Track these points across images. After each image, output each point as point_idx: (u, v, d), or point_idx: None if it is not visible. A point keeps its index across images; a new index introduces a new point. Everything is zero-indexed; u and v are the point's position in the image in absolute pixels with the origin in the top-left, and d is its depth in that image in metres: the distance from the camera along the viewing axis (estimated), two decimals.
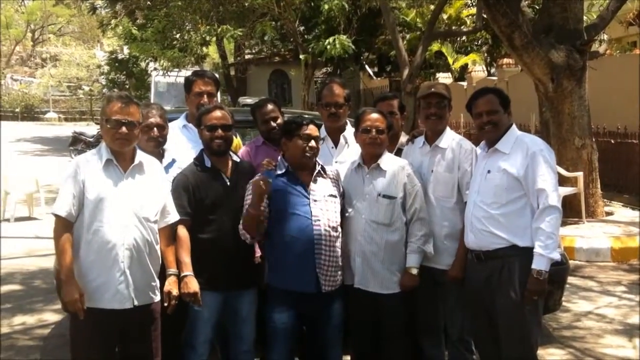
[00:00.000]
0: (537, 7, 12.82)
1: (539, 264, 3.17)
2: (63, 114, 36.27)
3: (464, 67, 20.46)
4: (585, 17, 9.95)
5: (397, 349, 3.54)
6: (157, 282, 3.26)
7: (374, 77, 25.56)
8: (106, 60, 27.87)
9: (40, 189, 10.16)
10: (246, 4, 15.43)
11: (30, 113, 35.19)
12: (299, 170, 3.47)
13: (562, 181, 7.83)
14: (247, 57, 24.94)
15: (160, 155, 3.70)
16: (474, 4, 18.57)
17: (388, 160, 3.59)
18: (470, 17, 19.09)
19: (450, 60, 19.78)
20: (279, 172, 3.47)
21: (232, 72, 25.20)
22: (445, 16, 18.75)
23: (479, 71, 20.37)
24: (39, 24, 43.21)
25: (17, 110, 34.60)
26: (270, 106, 4.06)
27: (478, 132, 3.52)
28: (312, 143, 3.42)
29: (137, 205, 3.15)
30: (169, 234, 3.35)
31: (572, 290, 6.09)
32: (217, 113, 3.53)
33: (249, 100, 15.58)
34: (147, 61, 20.31)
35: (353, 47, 15.36)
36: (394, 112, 4.03)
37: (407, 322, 3.56)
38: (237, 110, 6.19)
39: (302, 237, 3.33)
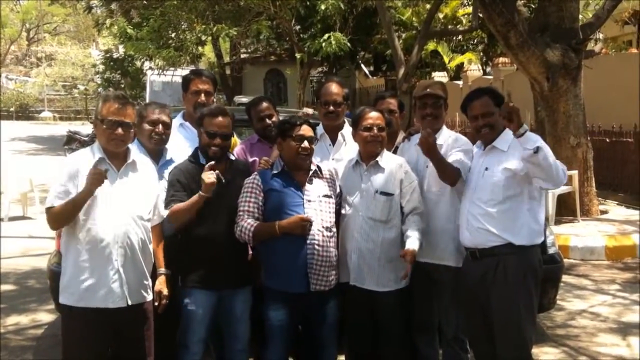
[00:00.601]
0: (533, 6, 12.85)
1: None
2: (58, 113, 36.14)
3: (460, 66, 20.46)
4: (580, 16, 9.97)
5: (393, 347, 3.54)
6: (150, 281, 3.25)
7: (370, 76, 25.57)
8: (101, 59, 27.76)
9: (34, 188, 10.10)
10: (242, 3, 15.41)
11: (25, 112, 35.06)
12: (294, 170, 3.47)
13: None
14: (242, 56, 24.94)
15: (160, 154, 3.69)
16: (469, 3, 18.57)
17: (386, 158, 3.60)
18: (466, 16, 19.06)
19: (446, 59, 19.79)
20: (274, 171, 3.48)
21: (228, 71, 25.13)
22: (441, 15, 18.76)
23: (474, 70, 20.37)
24: (34, 23, 43.06)
25: (12, 109, 34.45)
26: (265, 104, 4.09)
27: (475, 134, 3.53)
28: (305, 144, 3.41)
29: (130, 204, 3.13)
30: (160, 232, 3.35)
31: (567, 288, 6.10)
32: (219, 119, 3.49)
33: (244, 99, 15.56)
34: (142, 60, 20.26)
35: (348, 44, 15.35)
36: (394, 110, 4.04)
37: (403, 320, 3.56)
38: (232, 109, 6.16)
39: (294, 237, 3.32)
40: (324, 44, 14.68)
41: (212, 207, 3.41)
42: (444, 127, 3.77)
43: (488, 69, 20.31)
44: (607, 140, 10.60)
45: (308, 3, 16.79)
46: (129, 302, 3.11)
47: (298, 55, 16.73)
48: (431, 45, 18.82)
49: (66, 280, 3.10)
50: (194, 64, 17.75)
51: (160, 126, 3.64)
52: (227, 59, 25.64)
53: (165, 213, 3.37)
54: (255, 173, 3.53)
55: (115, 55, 26.40)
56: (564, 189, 8.36)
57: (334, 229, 3.48)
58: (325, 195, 3.48)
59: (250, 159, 3.94)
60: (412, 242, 3.38)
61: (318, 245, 3.35)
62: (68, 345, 3.15)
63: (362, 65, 24.64)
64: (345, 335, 3.67)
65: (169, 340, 3.42)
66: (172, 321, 3.37)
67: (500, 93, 3.52)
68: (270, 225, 3.33)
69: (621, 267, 7.11)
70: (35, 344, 4.77)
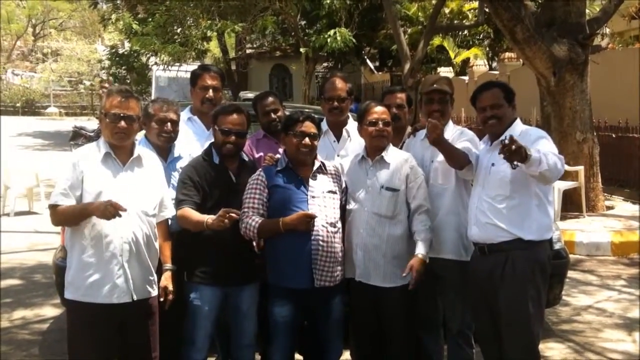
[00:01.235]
0: (540, 1, 12.78)
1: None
2: (64, 108, 36.18)
3: (466, 62, 20.38)
4: (587, 11, 9.92)
5: (398, 343, 3.53)
6: (155, 277, 3.25)
7: (375, 72, 25.50)
8: (107, 54, 27.76)
9: (40, 183, 10.16)
10: None
11: (31, 108, 35.15)
12: (299, 166, 3.46)
13: (563, 175, 7.76)
14: (248, 51, 24.88)
15: (168, 151, 3.69)
16: None
17: (392, 153, 3.59)
18: (472, 10, 18.99)
19: (452, 55, 19.72)
20: (278, 167, 3.47)
21: (233, 67, 25.12)
22: (447, 10, 18.68)
23: (480, 65, 20.29)
24: (40, 18, 43.10)
25: (18, 104, 34.54)
26: (270, 98, 4.10)
27: (482, 125, 3.51)
28: (307, 140, 3.40)
29: (135, 199, 3.12)
30: (166, 228, 3.35)
31: (572, 284, 6.08)
32: (234, 117, 3.47)
33: (250, 95, 15.50)
34: (148, 56, 20.25)
35: (354, 40, 15.30)
36: (402, 105, 4.00)
37: (408, 316, 3.55)
38: (238, 104, 6.15)
39: (299, 233, 3.31)
40: (329, 40, 14.65)
41: (222, 204, 3.40)
42: (450, 122, 3.75)
43: (494, 64, 20.26)
44: (614, 135, 10.57)
45: None
46: (134, 298, 3.11)
47: (303, 51, 16.70)
48: (437, 41, 18.76)
49: (71, 275, 3.10)
50: (199, 59, 17.76)
51: (169, 124, 3.62)
52: (232, 54, 25.64)
53: (174, 212, 3.36)
54: (260, 169, 3.52)
55: (120, 51, 26.38)
56: (569, 185, 8.34)
57: (339, 225, 3.47)
58: (330, 191, 3.47)
59: (256, 155, 3.94)
60: (421, 248, 3.38)
61: (322, 241, 3.35)
62: (73, 340, 3.15)
63: (368, 61, 24.58)
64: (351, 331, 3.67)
65: (175, 336, 3.43)
66: (178, 316, 3.38)
67: (512, 89, 3.49)
68: (274, 222, 3.32)
69: (627, 262, 7.09)
70: (41, 339, 4.79)
